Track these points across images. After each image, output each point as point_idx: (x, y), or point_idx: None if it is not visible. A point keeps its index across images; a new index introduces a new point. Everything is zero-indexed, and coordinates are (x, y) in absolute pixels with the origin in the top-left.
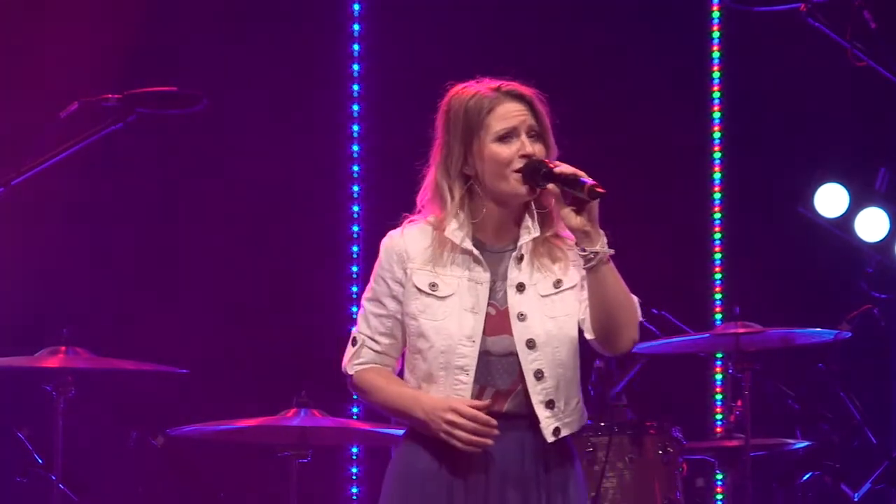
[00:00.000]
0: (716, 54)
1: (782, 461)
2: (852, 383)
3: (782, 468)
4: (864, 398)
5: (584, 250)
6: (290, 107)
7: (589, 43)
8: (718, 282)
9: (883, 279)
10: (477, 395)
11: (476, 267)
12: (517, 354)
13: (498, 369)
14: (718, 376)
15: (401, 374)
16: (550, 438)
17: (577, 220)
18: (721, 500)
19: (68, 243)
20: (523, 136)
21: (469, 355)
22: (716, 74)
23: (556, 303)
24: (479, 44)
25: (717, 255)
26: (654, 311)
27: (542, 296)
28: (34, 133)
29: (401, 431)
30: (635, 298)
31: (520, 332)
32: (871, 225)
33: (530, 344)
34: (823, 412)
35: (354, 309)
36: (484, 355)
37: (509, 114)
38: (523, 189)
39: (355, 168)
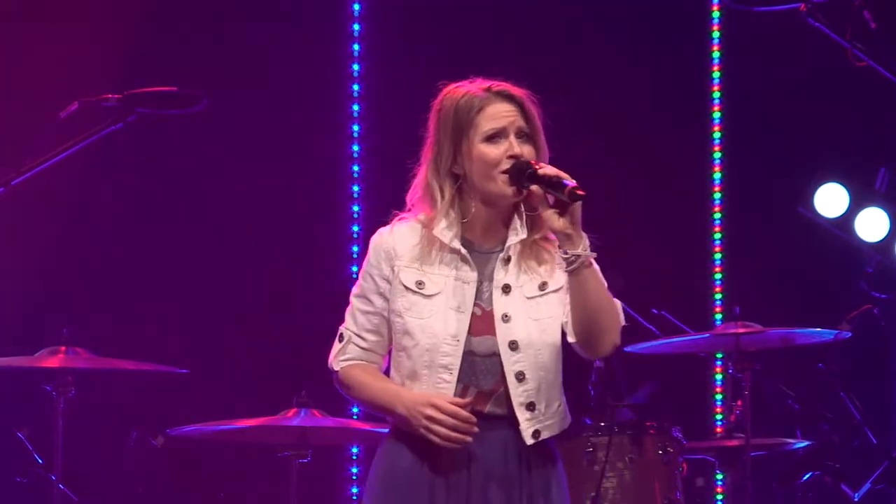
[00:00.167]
0: (716, 54)
1: (782, 461)
2: (852, 383)
3: (782, 468)
4: (864, 398)
5: (566, 253)
6: (290, 107)
7: (589, 43)
8: (718, 282)
9: (883, 279)
10: (460, 394)
11: (463, 266)
12: (500, 355)
13: (482, 370)
14: (718, 376)
15: (387, 372)
16: (530, 441)
17: (559, 223)
18: (721, 500)
19: (68, 243)
20: (512, 137)
21: (453, 354)
22: (716, 74)
23: (540, 305)
24: (479, 44)
25: (717, 255)
26: (654, 310)
27: (528, 298)
28: (34, 133)
29: None
30: (618, 303)
31: (503, 334)
32: (871, 225)
33: (513, 346)
34: (823, 412)
35: None
36: (468, 355)
37: (499, 114)
38: (510, 190)
39: (355, 168)
